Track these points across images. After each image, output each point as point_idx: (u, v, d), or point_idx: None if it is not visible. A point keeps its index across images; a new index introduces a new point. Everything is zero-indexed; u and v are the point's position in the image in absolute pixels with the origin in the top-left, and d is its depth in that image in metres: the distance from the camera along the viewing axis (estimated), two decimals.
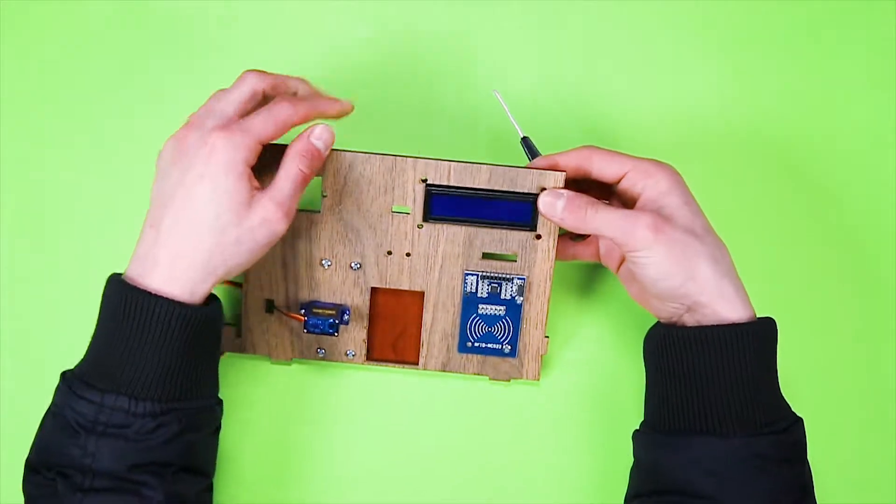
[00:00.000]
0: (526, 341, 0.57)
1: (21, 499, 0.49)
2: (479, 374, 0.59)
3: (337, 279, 0.56)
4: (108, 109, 0.61)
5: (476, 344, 0.58)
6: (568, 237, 0.57)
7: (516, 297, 0.56)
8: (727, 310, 0.49)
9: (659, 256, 0.49)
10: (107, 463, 0.47)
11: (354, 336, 0.58)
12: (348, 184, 0.54)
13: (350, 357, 0.58)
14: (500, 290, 0.56)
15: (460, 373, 0.59)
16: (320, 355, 0.58)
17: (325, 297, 0.57)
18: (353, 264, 0.56)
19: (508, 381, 0.59)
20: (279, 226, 0.49)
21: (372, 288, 0.57)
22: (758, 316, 0.51)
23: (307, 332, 0.55)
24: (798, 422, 0.50)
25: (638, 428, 0.54)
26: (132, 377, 0.47)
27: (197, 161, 0.47)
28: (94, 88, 0.61)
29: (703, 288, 0.49)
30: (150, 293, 0.47)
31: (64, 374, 0.49)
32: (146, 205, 0.49)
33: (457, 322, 0.57)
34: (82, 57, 0.61)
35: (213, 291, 0.50)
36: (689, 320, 0.51)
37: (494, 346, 0.58)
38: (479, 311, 0.57)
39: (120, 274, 0.49)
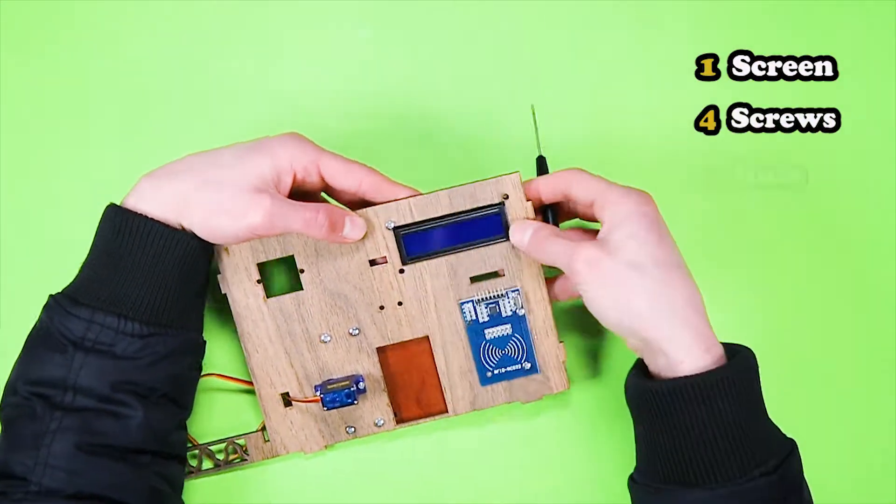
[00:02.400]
0: (543, 352, 0.56)
1: None
2: (510, 403, 0.57)
3: (341, 351, 0.56)
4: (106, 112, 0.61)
5: (496, 371, 0.57)
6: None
7: (517, 311, 0.56)
8: (678, 353, 0.47)
9: (593, 291, 0.49)
10: (90, 380, 0.49)
11: (378, 403, 0.57)
12: (321, 252, 0.55)
13: (380, 426, 0.57)
14: (500, 308, 0.56)
15: (491, 406, 0.57)
16: (350, 433, 0.57)
17: (336, 372, 0.57)
18: (351, 330, 0.56)
19: (541, 398, 0.57)
20: (248, 225, 0.50)
21: (377, 349, 0.57)
22: (732, 347, 0.49)
23: (327, 409, 0.55)
24: (790, 456, 0.48)
25: (632, 474, 0.51)
26: (122, 298, 0.49)
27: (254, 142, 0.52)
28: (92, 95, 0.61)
29: (645, 325, 0.48)
30: (146, 217, 0.49)
31: (52, 295, 0.51)
32: None
33: (469, 355, 0.57)
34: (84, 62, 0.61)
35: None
36: (650, 362, 0.49)
37: (514, 367, 0.57)
38: (487, 337, 0.56)
39: (117, 205, 0.51)
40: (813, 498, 0.49)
